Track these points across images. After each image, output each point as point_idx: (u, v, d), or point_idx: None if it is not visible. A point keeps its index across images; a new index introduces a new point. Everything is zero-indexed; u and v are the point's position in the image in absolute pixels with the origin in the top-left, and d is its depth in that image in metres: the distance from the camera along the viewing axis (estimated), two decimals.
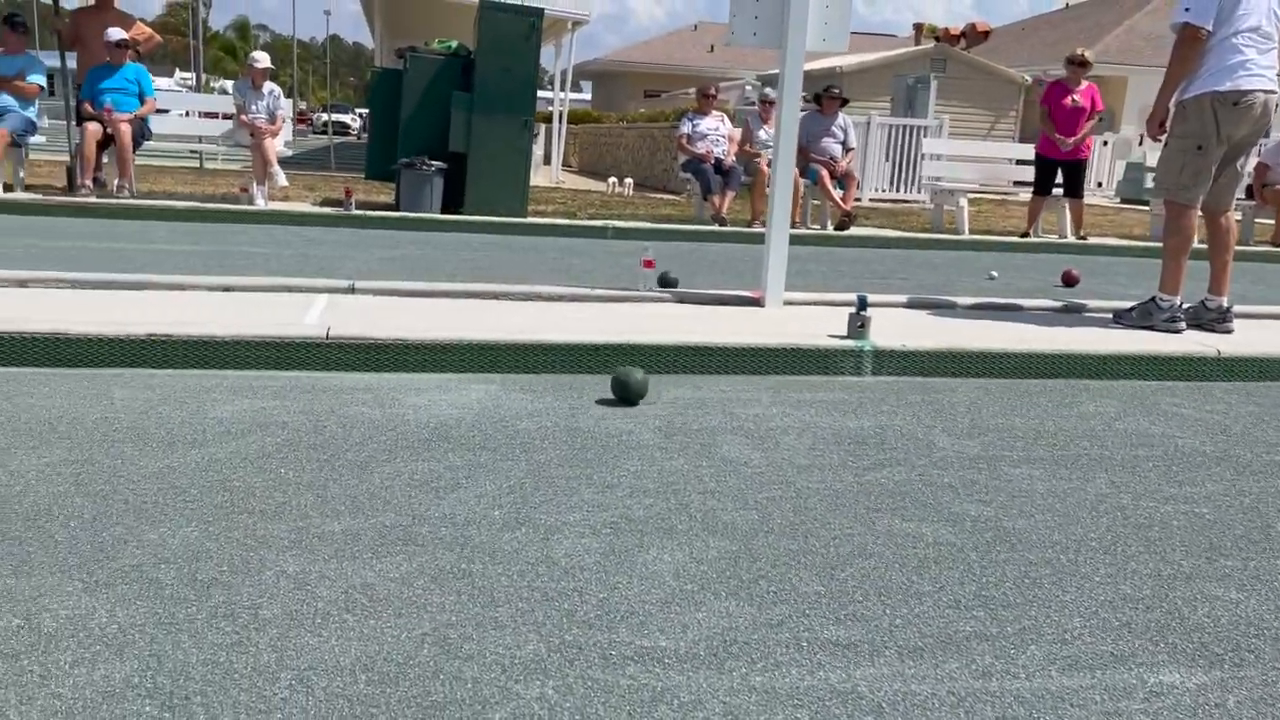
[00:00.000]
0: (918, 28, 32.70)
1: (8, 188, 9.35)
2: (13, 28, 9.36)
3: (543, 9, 9.93)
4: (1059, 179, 10.72)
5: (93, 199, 9.01)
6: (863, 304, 4.35)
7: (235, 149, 10.79)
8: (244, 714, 1.64)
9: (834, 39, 5.13)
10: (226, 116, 11.61)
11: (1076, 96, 10.45)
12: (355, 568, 2.20)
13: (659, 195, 15.53)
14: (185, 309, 4.34)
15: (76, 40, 9.86)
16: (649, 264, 5.35)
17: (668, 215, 11.38)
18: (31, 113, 9.45)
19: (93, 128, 9.22)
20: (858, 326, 4.32)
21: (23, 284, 4.76)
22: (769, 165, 10.37)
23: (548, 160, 17.47)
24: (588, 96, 34.80)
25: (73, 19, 10.21)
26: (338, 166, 16.26)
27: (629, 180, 15.70)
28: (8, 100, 9.16)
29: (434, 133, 9.78)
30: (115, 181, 9.40)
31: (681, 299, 5.31)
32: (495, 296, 5.16)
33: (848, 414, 3.67)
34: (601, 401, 3.65)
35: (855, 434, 3.42)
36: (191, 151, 13.91)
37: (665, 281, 5.69)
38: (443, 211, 9.56)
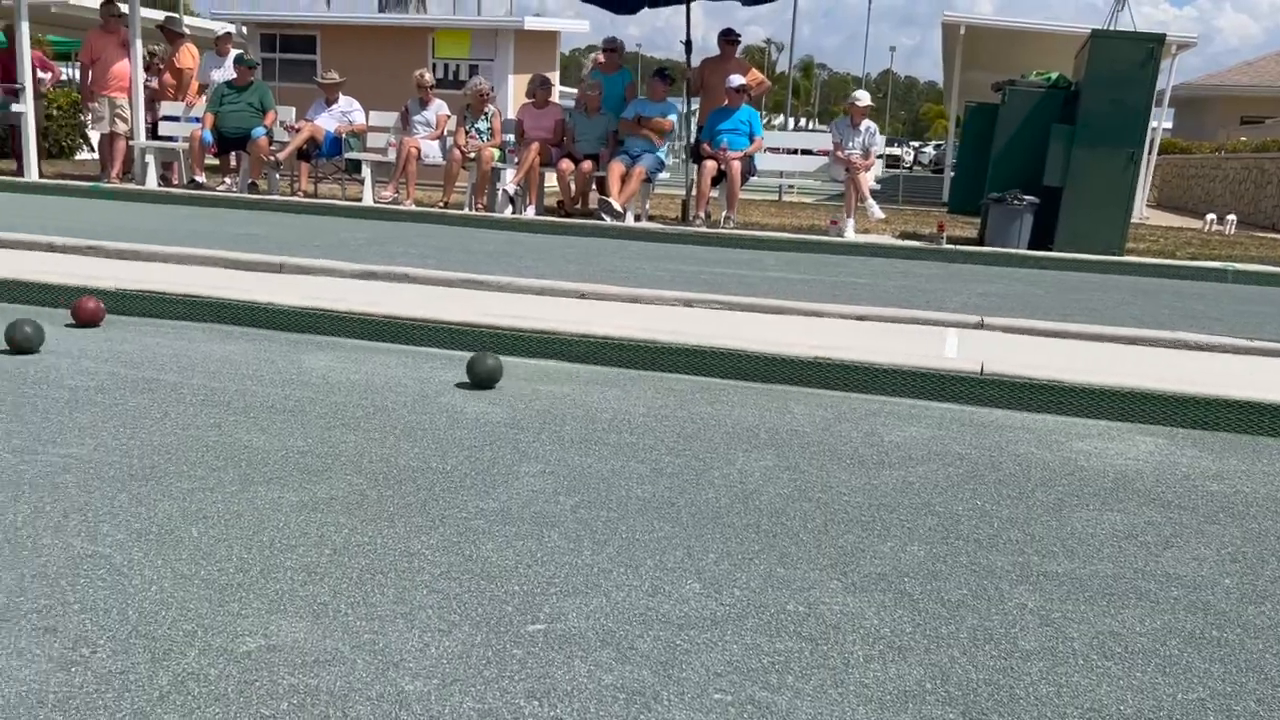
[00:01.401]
0: None
1: (636, 218, 10.83)
2: (662, 79, 10.85)
3: (1164, 34, 9.18)
4: None
5: (704, 229, 10.10)
6: None
7: (829, 183, 11.44)
8: None
9: None
10: (804, 152, 12.37)
11: None
12: (1094, 613, 2.17)
13: (1268, 235, 13.60)
14: (826, 335, 4.66)
15: (702, 86, 11.14)
16: None
17: None
18: (661, 153, 10.85)
19: (709, 165, 10.34)
20: None
21: (688, 304, 5.46)
22: None
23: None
24: (1168, 124, 31.53)
25: (700, 69, 11.54)
26: (903, 200, 16.54)
27: (1231, 217, 13.94)
28: (645, 143, 10.60)
29: (1025, 167, 9.53)
30: (723, 213, 10.44)
31: None
32: (1132, 341, 4.85)
33: None
34: None
35: None
36: (789, 186, 15.05)
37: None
38: (1030, 248, 9.26)
